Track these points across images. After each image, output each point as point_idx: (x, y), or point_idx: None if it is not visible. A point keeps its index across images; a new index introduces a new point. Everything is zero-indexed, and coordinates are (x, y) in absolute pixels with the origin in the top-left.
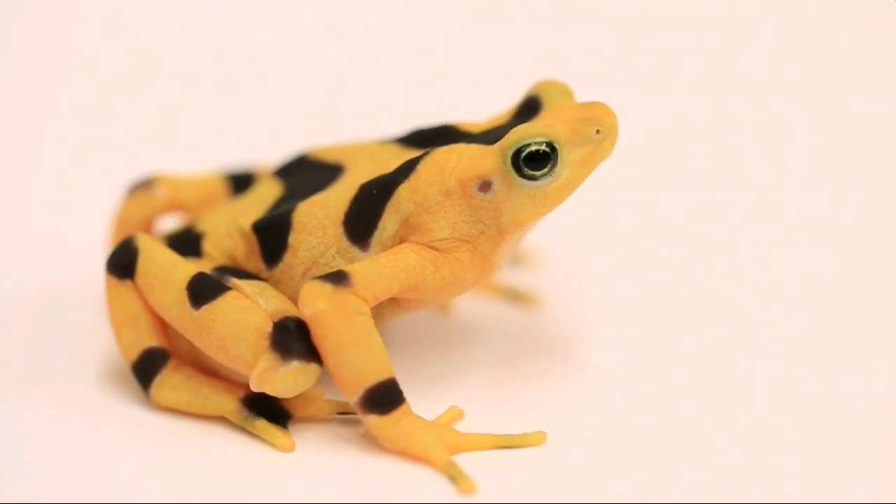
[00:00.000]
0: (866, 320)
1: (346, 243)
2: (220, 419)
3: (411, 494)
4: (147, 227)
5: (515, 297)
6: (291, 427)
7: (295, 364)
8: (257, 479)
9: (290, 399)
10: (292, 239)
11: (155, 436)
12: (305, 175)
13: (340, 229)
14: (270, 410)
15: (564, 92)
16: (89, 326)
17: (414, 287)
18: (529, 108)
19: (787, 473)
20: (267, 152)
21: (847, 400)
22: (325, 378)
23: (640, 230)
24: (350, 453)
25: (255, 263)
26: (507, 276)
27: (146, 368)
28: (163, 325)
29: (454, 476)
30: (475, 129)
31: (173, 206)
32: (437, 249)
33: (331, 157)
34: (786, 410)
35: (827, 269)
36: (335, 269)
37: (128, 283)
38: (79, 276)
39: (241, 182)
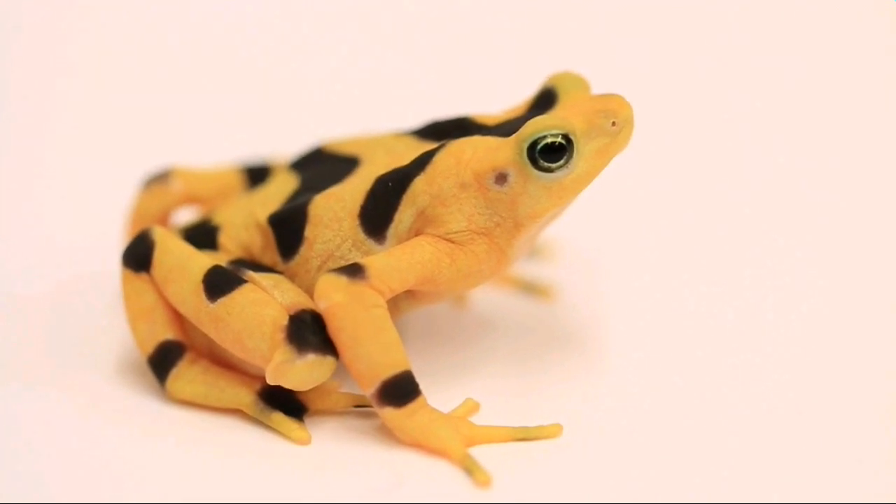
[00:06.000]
0: (884, 315)
1: (361, 236)
2: (237, 412)
3: (427, 487)
4: (163, 220)
5: (531, 289)
6: (307, 420)
7: (311, 357)
8: (273, 472)
9: (307, 392)
10: (308, 232)
11: (171, 429)
12: (321, 167)
13: (356, 222)
14: (286, 403)
15: (580, 84)
16: (105, 319)
17: (430, 279)
18: (545, 100)
19: (799, 468)
20: (283, 145)
21: (852, 395)
22: (341, 371)
23: (656, 223)
24: (366, 446)
25: (271, 256)
26: (523, 268)
27: (162, 361)
28: (179, 318)
29: (470, 468)
30: (491, 122)
31: (189, 199)
32: (452, 242)
33: (346, 150)
34: (798, 403)
35: (842, 262)
36: (351, 261)
37: (144, 275)
38: (95, 270)
39: (256, 175)
